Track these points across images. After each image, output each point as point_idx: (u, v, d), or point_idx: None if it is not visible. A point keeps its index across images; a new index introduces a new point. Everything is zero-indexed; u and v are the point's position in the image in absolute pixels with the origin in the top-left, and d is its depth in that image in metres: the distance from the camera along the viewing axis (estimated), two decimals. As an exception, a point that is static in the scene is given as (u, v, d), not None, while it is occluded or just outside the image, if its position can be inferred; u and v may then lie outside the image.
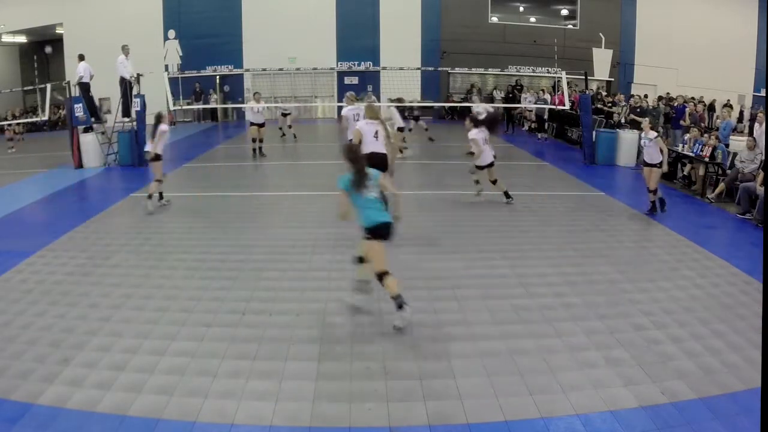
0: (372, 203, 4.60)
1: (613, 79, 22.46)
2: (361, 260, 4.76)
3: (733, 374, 3.96)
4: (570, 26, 23.92)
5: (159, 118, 8.55)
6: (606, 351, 4.27)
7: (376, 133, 6.88)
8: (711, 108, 18.06)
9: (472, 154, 8.64)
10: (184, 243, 7.03)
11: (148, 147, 8.64)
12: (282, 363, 4.09)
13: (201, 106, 21.67)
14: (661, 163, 8.14)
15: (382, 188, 4.77)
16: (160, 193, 8.73)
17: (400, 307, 4.48)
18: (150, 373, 3.94)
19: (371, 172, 4.66)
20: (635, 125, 13.34)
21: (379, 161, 6.49)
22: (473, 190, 8.98)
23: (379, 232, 4.54)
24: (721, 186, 9.39)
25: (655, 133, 8.35)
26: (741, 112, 19.80)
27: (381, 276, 4.53)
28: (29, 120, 18.59)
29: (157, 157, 8.50)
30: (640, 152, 10.98)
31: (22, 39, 24.07)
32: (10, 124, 16.69)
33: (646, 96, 16.30)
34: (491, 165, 8.72)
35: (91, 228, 7.73)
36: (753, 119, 13.76)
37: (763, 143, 9.23)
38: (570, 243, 6.98)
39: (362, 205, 4.58)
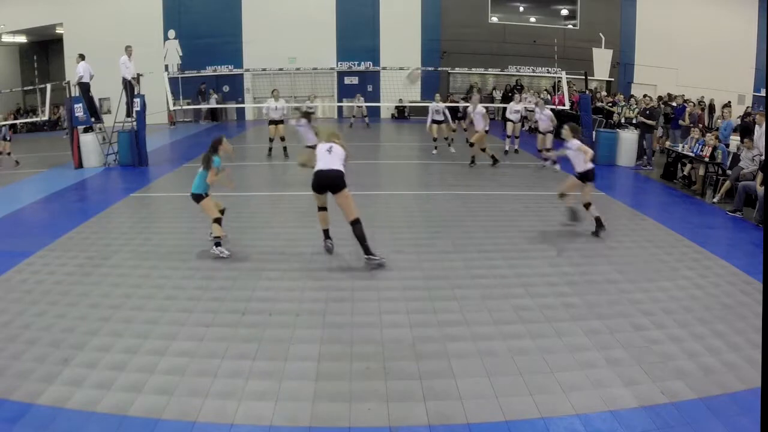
0: (199, 176, 6.59)
1: (613, 79, 22.49)
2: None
3: (733, 374, 3.95)
4: (570, 26, 23.95)
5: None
6: (606, 351, 4.26)
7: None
8: (711, 108, 18.04)
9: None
10: (184, 243, 7.02)
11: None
12: (282, 363, 4.09)
13: (205, 106, 21.65)
14: (587, 172, 7.36)
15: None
16: None
17: (217, 244, 6.41)
18: (150, 373, 3.94)
19: (215, 158, 6.60)
20: (646, 128, 12.69)
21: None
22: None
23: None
24: (727, 185, 9.36)
25: (578, 142, 7.40)
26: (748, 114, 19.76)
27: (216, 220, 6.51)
28: (29, 120, 18.58)
29: None
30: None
31: (22, 39, 24.09)
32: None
33: (645, 96, 16.28)
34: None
35: (91, 228, 7.73)
36: (746, 115, 13.71)
37: (762, 144, 9.21)
38: (570, 243, 6.98)
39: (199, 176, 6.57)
